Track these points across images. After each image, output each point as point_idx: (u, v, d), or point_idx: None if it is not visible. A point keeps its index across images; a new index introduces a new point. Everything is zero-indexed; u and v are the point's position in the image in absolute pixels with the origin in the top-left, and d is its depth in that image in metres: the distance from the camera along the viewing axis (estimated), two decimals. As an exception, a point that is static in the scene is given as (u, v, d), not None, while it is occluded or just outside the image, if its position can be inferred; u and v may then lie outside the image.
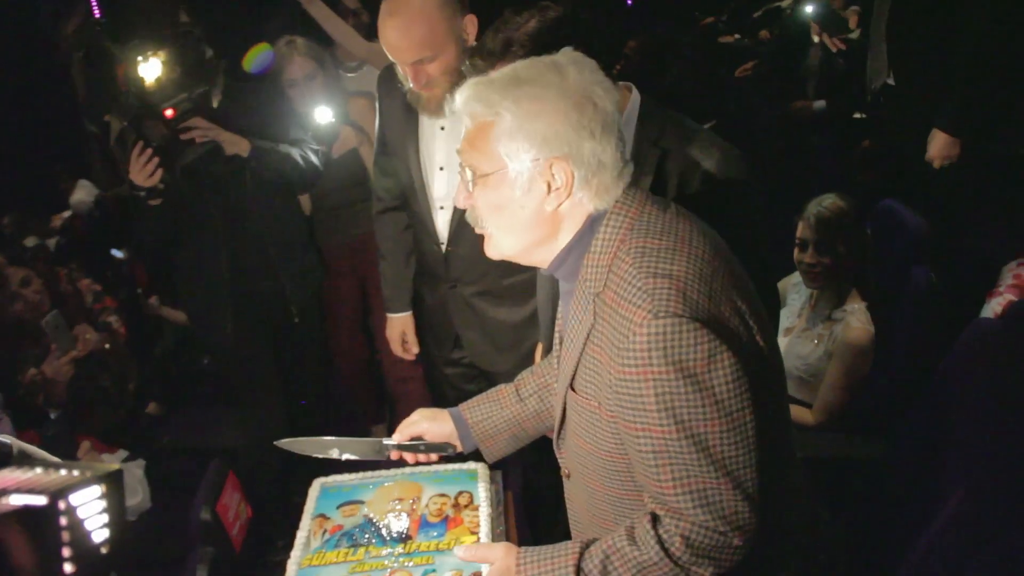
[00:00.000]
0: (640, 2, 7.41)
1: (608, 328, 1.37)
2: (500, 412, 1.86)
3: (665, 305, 1.30)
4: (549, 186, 1.39)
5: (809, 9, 4.72)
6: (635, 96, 1.92)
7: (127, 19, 2.72)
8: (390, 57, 2.24)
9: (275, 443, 1.96)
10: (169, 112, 2.58)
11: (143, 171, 2.60)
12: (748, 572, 1.43)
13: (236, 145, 2.74)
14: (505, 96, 1.37)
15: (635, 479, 1.45)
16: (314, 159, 2.98)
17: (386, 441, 1.92)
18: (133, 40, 2.58)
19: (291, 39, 3.31)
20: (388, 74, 2.48)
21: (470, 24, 2.23)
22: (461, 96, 1.41)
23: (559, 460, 1.67)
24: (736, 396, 1.31)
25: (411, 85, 2.24)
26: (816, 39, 4.62)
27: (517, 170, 1.38)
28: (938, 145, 3.23)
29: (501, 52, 1.82)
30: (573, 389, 1.48)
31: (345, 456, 1.93)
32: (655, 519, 1.41)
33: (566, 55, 1.44)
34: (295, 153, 2.90)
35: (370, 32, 3.52)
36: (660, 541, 1.38)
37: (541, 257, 1.49)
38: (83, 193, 4.63)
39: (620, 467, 1.46)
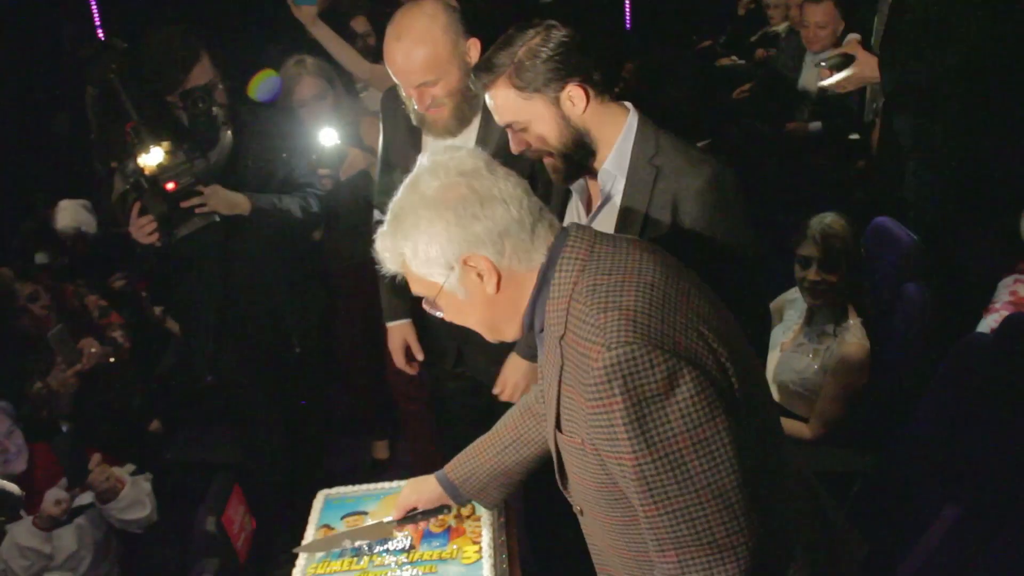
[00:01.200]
0: (638, 25, 7.50)
1: (573, 367, 1.42)
2: (480, 467, 1.93)
3: (616, 336, 1.34)
4: (480, 276, 1.47)
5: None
6: (632, 115, 1.96)
7: (140, 73, 2.69)
8: (395, 79, 2.28)
9: (292, 551, 2.07)
10: (171, 186, 2.57)
11: (142, 231, 2.60)
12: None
13: (236, 207, 2.74)
14: (396, 239, 1.48)
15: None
16: (314, 207, 2.99)
17: (387, 520, 2.00)
18: (142, 116, 2.57)
19: (301, 59, 3.33)
20: (392, 94, 2.52)
21: (473, 48, 2.27)
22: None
23: (568, 499, 1.70)
24: (703, 409, 1.34)
25: (416, 107, 2.28)
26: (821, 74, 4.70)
27: (447, 283, 1.48)
28: (859, 71, 3.20)
29: (504, 67, 1.87)
30: (560, 430, 1.52)
31: (357, 543, 2.02)
32: None
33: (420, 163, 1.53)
34: (295, 206, 2.90)
35: (377, 55, 3.57)
36: None
37: (521, 324, 1.56)
38: (68, 217, 4.54)
39: (618, 495, 1.49)
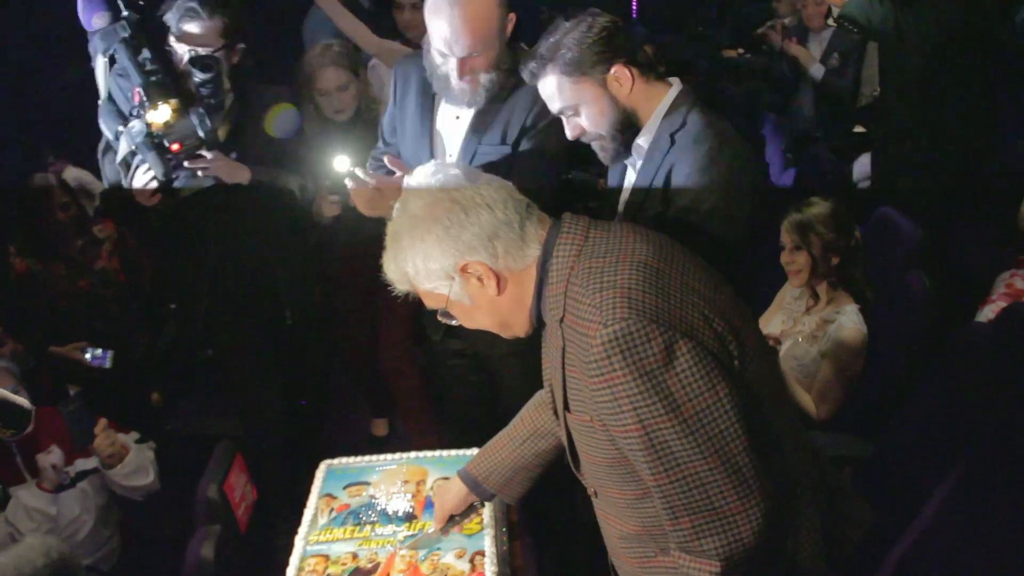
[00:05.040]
0: (644, 15, 7.51)
1: (574, 348, 1.47)
2: (501, 461, 1.97)
3: (612, 313, 1.38)
4: (481, 280, 1.53)
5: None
6: (672, 91, 2.00)
7: (154, 36, 2.71)
8: (441, 49, 2.24)
9: None
10: (175, 147, 2.60)
11: (143, 193, 2.64)
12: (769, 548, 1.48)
13: (236, 176, 2.77)
14: (397, 261, 1.57)
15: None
16: (311, 185, 3.01)
17: (430, 530, 2.03)
18: (150, 79, 2.59)
19: (328, 44, 3.29)
20: (408, 60, 2.54)
21: (510, 22, 2.28)
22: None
23: (582, 481, 1.74)
24: (703, 378, 1.38)
25: (452, 78, 2.27)
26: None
27: (452, 291, 1.55)
28: None
29: (550, 56, 1.93)
30: (568, 410, 1.57)
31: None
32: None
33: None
34: (293, 184, 2.94)
35: (379, 29, 3.57)
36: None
37: (529, 318, 1.60)
38: (75, 175, 4.62)
39: (628, 470, 1.53)
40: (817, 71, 4.71)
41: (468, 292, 1.55)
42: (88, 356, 3.11)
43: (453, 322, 1.64)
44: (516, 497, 2.00)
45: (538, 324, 1.61)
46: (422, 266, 1.53)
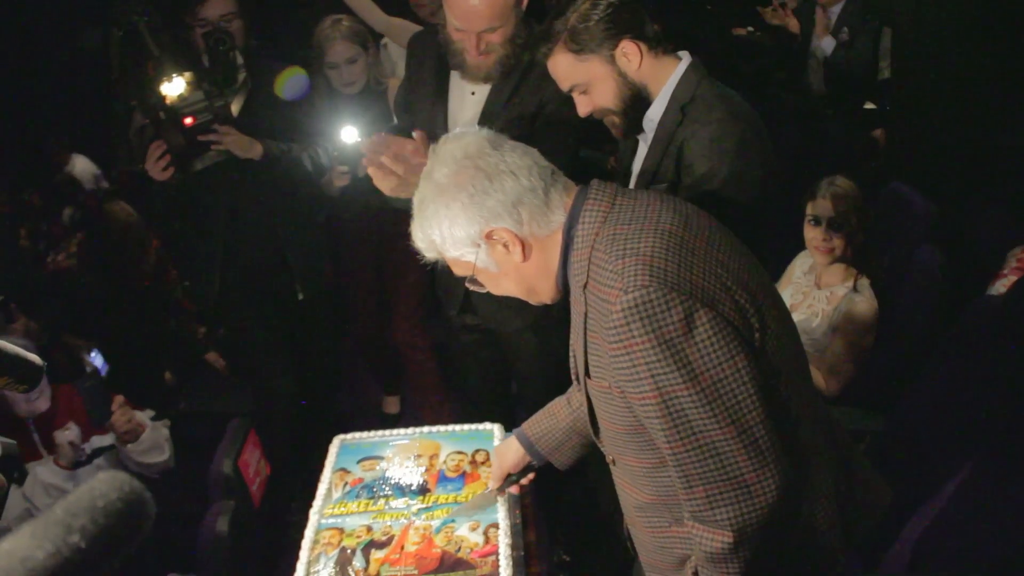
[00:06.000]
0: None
1: (596, 314, 1.47)
2: (556, 424, 1.95)
3: (633, 280, 1.39)
4: (506, 247, 1.53)
5: None
6: (681, 64, 2.00)
7: (169, 7, 2.74)
8: (458, 25, 2.24)
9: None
10: (189, 120, 2.64)
11: (157, 166, 2.67)
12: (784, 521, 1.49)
13: (249, 150, 2.80)
14: (424, 229, 1.57)
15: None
16: (322, 159, 3.03)
17: (488, 491, 2.03)
18: (165, 52, 2.62)
19: (338, 19, 3.30)
20: (423, 36, 2.54)
21: None
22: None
23: (602, 449, 1.75)
24: (722, 348, 1.38)
25: (468, 53, 2.26)
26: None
27: (479, 258, 1.56)
28: None
29: (558, 35, 1.92)
30: (589, 376, 1.57)
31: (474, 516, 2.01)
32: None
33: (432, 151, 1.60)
34: (305, 158, 2.96)
35: (389, 6, 3.56)
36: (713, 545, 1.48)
37: (555, 283, 1.61)
38: (83, 163, 4.62)
39: (646, 438, 1.54)
40: (828, 44, 4.67)
41: (494, 259, 1.55)
42: (92, 357, 3.12)
43: (482, 290, 1.65)
44: (566, 463, 1.98)
45: (565, 292, 1.61)
46: (448, 233, 1.54)
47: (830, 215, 2.81)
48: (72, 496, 0.57)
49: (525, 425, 2.00)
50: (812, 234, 2.86)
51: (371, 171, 2.11)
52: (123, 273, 3.34)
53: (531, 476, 2.04)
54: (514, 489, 2.03)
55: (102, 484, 0.58)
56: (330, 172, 3.05)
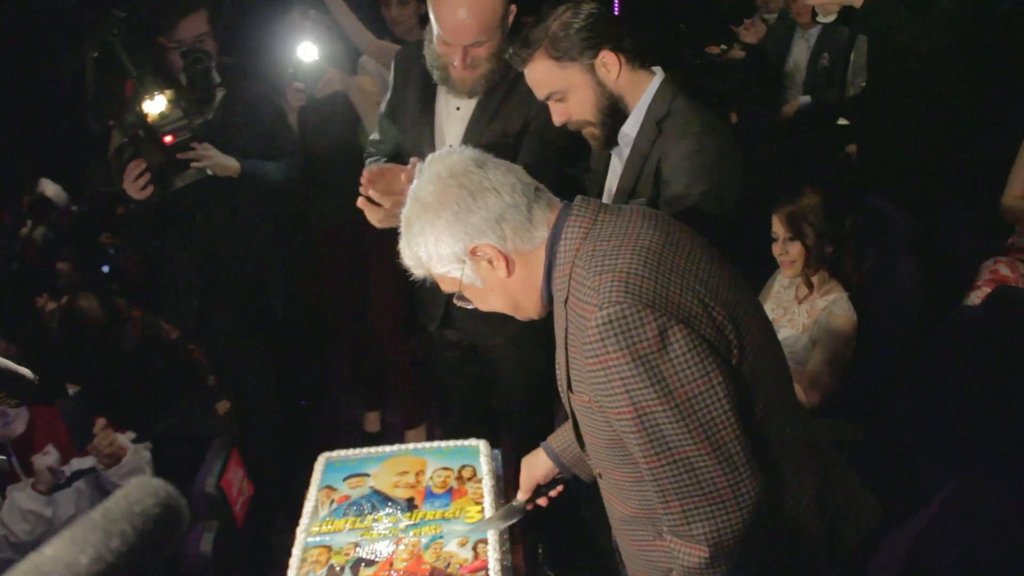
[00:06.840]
0: (626, 11, 7.52)
1: (575, 329, 1.49)
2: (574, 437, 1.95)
3: (608, 296, 1.41)
4: (491, 263, 1.56)
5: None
6: (655, 79, 2.03)
7: (144, 29, 2.76)
8: (445, 38, 2.25)
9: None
10: (169, 138, 2.65)
11: (135, 185, 2.67)
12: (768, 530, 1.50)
13: (227, 168, 2.81)
14: (411, 245, 1.60)
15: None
16: (296, 173, 3.06)
17: (516, 503, 2.03)
18: (144, 71, 2.63)
19: (304, 11, 3.37)
20: (409, 51, 2.55)
21: (511, 13, 2.30)
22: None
23: (588, 462, 1.76)
24: (697, 365, 1.40)
25: (454, 65, 2.28)
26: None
27: (464, 274, 1.58)
28: None
29: (538, 41, 1.96)
30: (571, 390, 1.59)
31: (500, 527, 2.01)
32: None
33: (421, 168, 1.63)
34: (279, 172, 2.97)
35: (379, 30, 3.58)
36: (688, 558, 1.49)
37: (540, 299, 1.63)
38: (53, 188, 4.58)
39: (625, 452, 1.55)
40: (804, 102, 4.71)
41: (479, 275, 1.58)
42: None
43: (469, 306, 1.67)
44: (588, 476, 1.96)
45: (551, 306, 1.63)
46: (434, 251, 1.57)
47: (781, 230, 2.86)
48: (109, 502, 0.58)
49: (551, 437, 2.01)
50: (774, 249, 2.92)
51: (360, 203, 2.16)
52: (103, 356, 3.30)
53: (560, 488, 2.04)
54: (542, 501, 2.03)
55: (137, 490, 0.60)
56: (287, 90, 3.07)
